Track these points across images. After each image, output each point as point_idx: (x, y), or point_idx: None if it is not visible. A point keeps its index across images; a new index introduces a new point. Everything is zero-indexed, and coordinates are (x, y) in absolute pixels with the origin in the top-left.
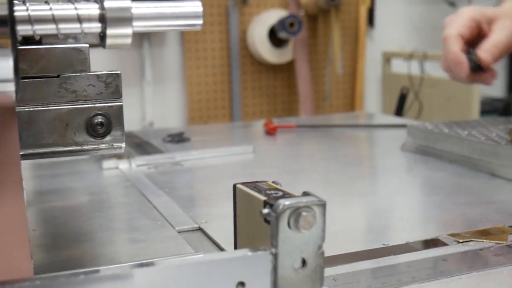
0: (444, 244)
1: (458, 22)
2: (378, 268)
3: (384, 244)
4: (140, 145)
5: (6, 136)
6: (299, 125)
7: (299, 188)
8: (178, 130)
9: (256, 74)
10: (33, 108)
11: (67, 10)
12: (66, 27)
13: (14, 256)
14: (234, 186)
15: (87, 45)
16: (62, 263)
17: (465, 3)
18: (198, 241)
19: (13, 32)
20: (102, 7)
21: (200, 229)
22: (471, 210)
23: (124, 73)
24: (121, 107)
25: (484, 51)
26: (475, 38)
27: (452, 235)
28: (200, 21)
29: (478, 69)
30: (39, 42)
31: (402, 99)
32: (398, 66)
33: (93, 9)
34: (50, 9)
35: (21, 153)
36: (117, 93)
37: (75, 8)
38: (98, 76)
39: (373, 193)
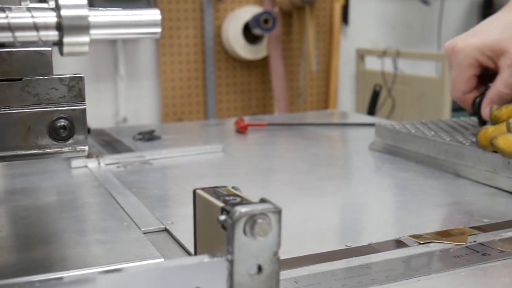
0: (406, 246)
1: (461, 79)
2: (339, 270)
3: (347, 246)
4: (110, 143)
5: None
6: (270, 124)
7: (265, 189)
8: (149, 128)
9: (231, 70)
10: None
11: (23, 18)
12: (23, 35)
13: None
14: (194, 192)
15: (50, 49)
16: (28, 265)
17: (438, 0)
18: (164, 242)
19: None
20: (59, 15)
21: (166, 230)
22: (435, 211)
23: (97, 69)
24: (84, 110)
25: (483, 107)
26: (491, 69)
27: (414, 236)
28: (158, 29)
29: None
30: (1, 45)
31: (375, 96)
32: (372, 63)
33: (50, 17)
34: (6, 17)
35: None
36: (80, 97)
37: (32, 16)
38: (61, 79)
39: (339, 194)
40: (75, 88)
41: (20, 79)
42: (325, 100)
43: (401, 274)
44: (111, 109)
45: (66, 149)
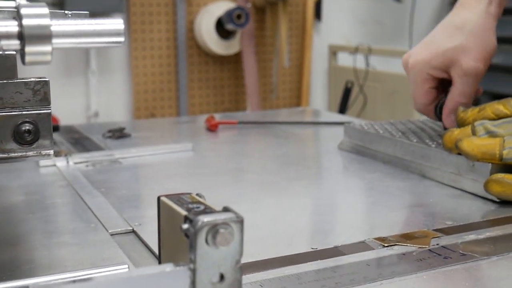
0: (371, 248)
1: (420, 94)
2: (304, 273)
3: (312, 248)
4: (79, 141)
5: None
6: (241, 122)
7: (234, 190)
8: (119, 125)
9: (203, 66)
10: None
11: None
12: None
13: None
14: (159, 199)
15: (14, 52)
16: None
17: None
18: (131, 244)
19: None
20: (20, 25)
21: (133, 231)
22: (400, 212)
23: (68, 63)
24: (49, 114)
25: (445, 118)
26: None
27: (379, 239)
28: (121, 39)
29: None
30: None
31: (347, 92)
32: (344, 60)
33: (12, 26)
34: None
35: None
36: (45, 100)
37: None
38: (25, 83)
39: (306, 195)
40: (40, 92)
41: None
42: (297, 96)
43: (364, 277)
44: (82, 104)
45: (31, 153)
